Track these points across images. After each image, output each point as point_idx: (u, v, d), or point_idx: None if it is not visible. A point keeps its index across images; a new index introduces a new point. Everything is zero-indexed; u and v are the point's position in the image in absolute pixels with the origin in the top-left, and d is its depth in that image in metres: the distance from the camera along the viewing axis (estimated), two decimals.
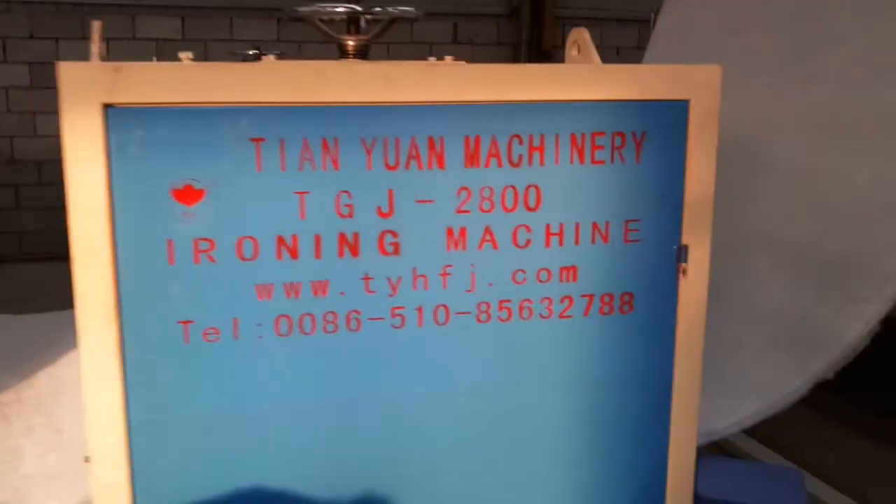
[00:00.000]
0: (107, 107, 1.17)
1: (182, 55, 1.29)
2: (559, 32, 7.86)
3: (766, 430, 2.84)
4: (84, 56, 1.29)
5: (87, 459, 1.85)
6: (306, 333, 1.30)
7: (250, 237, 1.26)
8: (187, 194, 1.23)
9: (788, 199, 3.20)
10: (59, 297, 5.84)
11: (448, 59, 1.42)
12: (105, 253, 1.22)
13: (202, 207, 1.23)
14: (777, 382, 2.96)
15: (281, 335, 1.29)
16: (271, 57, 1.46)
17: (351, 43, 1.51)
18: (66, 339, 4.54)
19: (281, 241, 1.27)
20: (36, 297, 5.49)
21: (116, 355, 1.24)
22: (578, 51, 1.54)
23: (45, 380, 3.83)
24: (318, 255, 1.28)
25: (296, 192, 1.26)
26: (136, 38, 7.05)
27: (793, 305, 3.13)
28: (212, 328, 1.27)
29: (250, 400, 1.30)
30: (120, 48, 7.00)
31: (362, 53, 1.53)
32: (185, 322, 1.26)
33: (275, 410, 1.31)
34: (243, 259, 1.26)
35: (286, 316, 1.29)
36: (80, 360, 1.25)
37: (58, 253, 6.98)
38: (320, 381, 1.32)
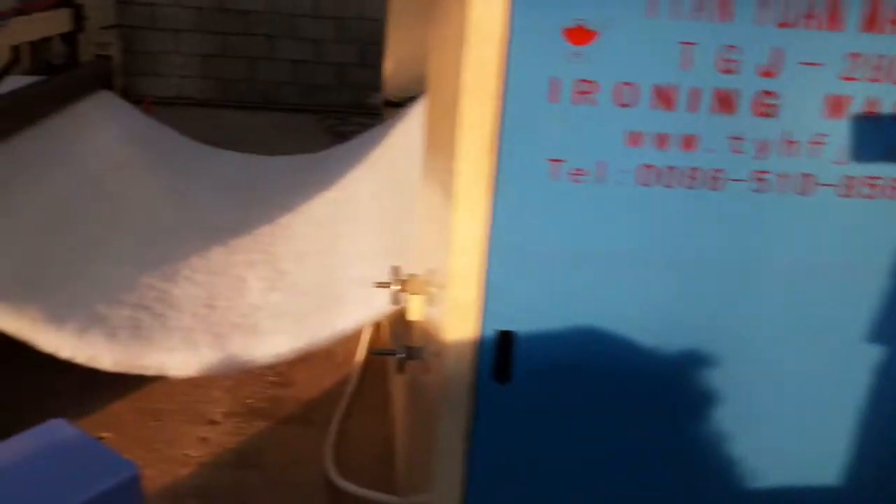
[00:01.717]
0: None
1: None
2: None
3: None
4: None
5: (379, 285, 1.98)
6: (667, 186, 1.32)
7: (630, 83, 1.27)
8: (578, 34, 1.25)
9: None
10: (259, 143, 6.14)
11: None
12: (493, 83, 1.26)
13: (591, 49, 1.25)
14: None
15: (642, 184, 1.32)
16: None
17: None
18: (272, 183, 4.79)
19: (658, 90, 1.27)
20: (237, 142, 5.79)
21: (488, 184, 1.31)
22: None
23: (258, 219, 4.07)
24: (692, 108, 1.28)
25: (682, 42, 1.25)
26: None
27: None
28: (579, 169, 1.30)
29: (603, 242, 1.34)
30: None
31: None
32: (556, 160, 1.30)
33: (624, 255, 1.35)
34: (620, 104, 1.28)
35: (651, 166, 1.31)
36: (454, 184, 1.32)
37: (258, 102, 7.31)
38: (673, 234, 1.34)
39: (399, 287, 1.88)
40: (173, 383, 2.78)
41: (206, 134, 5.90)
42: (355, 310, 2.69)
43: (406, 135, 3.43)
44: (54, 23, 4.28)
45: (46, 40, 4.40)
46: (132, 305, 2.92)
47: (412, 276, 1.89)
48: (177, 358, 2.64)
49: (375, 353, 3.00)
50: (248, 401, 2.86)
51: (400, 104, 4.06)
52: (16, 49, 3.89)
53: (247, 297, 3.23)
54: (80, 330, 2.62)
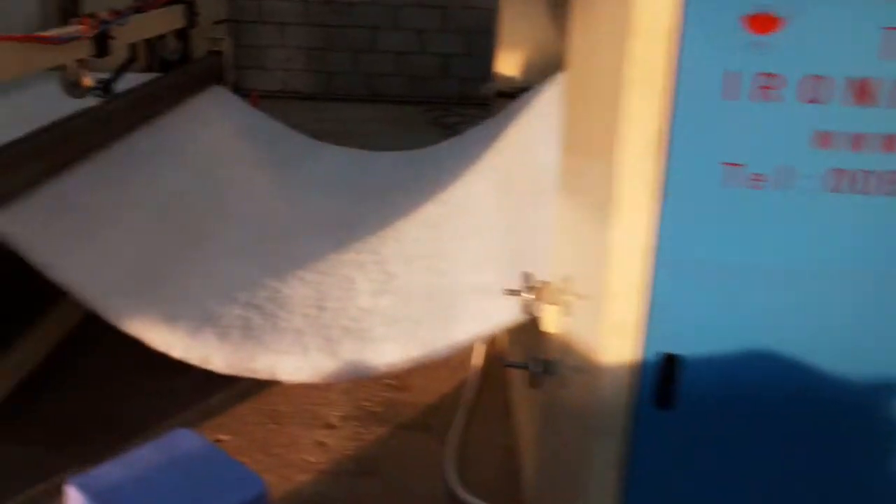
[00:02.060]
0: None
1: None
2: None
3: None
4: None
5: (509, 292, 1.87)
6: (862, 192, 1.15)
7: (820, 76, 1.11)
8: (762, 22, 1.10)
9: None
10: (365, 136, 6.09)
11: None
12: (662, 79, 1.13)
13: (775, 38, 1.10)
14: None
15: (832, 190, 1.16)
16: None
17: None
18: (382, 180, 4.65)
19: (854, 83, 1.11)
20: (342, 135, 5.77)
21: (653, 190, 1.17)
22: None
23: (367, 217, 3.98)
24: (895, 103, 1.12)
25: (886, 27, 1.09)
26: None
27: None
28: (759, 174, 1.16)
29: (784, 255, 1.19)
30: None
31: None
32: (732, 164, 1.15)
33: (808, 270, 1.19)
34: (808, 100, 1.12)
35: (843, 171, 1.15)
36: (614, 190, 1.19)
37: (363, 95, 7.23)
38: (866, 246, 1.18)
39: (533, 296, 1.76)
40: (289, 385, 2.74)
41: (311, 127, 5.91)
42: (472, 321, 2.56)
43: (528, 130, 3.28)
44: (169, 19, 4.33)
45: (161, 37, 4.45)
46: (243, 304, 2.86)
47: (545, 283, 1.77)
48: (288, 362, 2.57)
49: (506, 364, 2.87)
50: (364, 404, 2.80)
51: (512, 95, 3.93)
52: (132, 47, 3.94)
53: (356, 300, 3.11)
54: (193, 329, 2.58)
